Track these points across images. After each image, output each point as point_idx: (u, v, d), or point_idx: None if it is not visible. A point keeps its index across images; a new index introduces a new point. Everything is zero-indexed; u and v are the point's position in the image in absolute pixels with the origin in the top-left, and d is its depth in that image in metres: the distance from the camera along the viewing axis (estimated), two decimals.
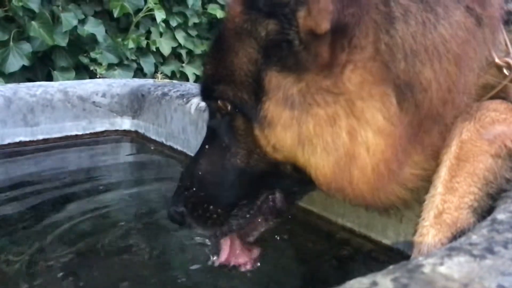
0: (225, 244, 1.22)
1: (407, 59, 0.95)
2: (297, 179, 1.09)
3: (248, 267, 1.23)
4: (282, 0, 0.95)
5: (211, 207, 1.13)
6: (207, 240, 1.36)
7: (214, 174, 1.14)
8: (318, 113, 0.97)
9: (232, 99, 1.07)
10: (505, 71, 1.06)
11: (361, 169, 0.99)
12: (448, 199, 0.97)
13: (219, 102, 1.11)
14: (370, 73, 0.96)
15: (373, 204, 1.11)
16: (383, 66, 0.96)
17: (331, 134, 0.98)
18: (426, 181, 1.07)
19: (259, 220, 1.19)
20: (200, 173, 1.15)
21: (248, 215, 1.15)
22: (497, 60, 1.06)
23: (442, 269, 0.65)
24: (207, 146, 1.18)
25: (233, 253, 1.21)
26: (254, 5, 1.02)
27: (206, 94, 1.18)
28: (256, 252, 1.24)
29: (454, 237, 0.93)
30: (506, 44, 1.07)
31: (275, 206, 1.18)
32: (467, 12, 1.00)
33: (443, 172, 1.01)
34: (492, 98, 1.08)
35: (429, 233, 0.96)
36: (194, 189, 1.15)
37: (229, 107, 1.09)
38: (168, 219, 1.20)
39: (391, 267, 0.67)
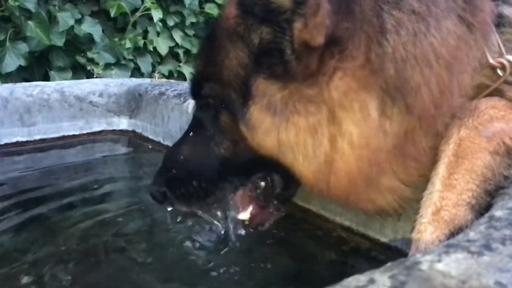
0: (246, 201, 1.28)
1: (397, 66, 0.98)
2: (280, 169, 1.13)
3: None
4: (278, 8, 0.97)
5: (195, 185, 1.20)
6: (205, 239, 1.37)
7: (198, 160, 1.21)
8: (298, 122, 1.01)
9: (220, 97, 1.11)
10: (499, 71, 1.08)
11: (335, 174, 1.03)
12: (446, 196, 0.97)
13: (207, 97, 1.15)
14: (356, 81, 0.98)
15: (359, 206, 1.16)
16: (370, 74, 0.98)
17: (312, 144, 1.01)
18: (400, 195, 1.10)
19: (270, 209, 1.27)
20: (183, 157, 1.23)
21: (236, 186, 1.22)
22: (491, 61, 1.07)
23: (440, 266, 0.65)
24: (191, 134, 1.24)
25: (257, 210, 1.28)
26: (249, 10, 1.03)
27: (195, 90, 1.21)
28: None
29: (452, 234, 0.93)
30: (499, 46, 1.09)
31: (273, 189, 1.24)
32: (458, 21, 1.03)
33: (441, 169, 1.01)
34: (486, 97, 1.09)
35: (427, 230, 0.96)
36: (177, 171, 1.22)
37: (217, 104, 1.13)
38: (152, 199, 1.27)
39: (388, 264, 0.67)
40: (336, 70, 0.98)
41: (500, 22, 1.10)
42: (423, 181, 1.08)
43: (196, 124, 1.23)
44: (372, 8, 0.99)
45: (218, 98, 1.12)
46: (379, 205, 1.13)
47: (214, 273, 1.23)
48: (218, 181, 1.20)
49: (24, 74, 3.75)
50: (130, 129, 2.62)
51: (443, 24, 1.00)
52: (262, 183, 1.24)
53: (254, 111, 1.04)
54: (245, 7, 1.04)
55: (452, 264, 0.65)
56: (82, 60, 4.03)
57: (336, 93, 0.98)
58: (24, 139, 2.35)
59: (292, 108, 1.01)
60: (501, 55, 1.08)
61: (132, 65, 4.45)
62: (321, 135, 1.00)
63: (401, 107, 0.99)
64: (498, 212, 0.83)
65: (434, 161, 1.06)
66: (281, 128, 1.02)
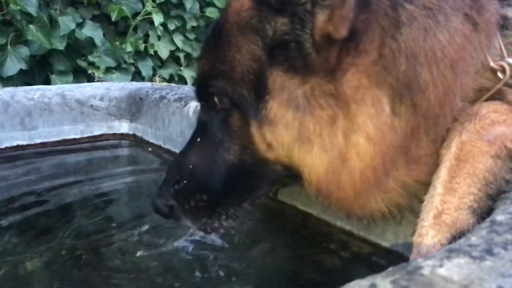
0: None
1: (408, 62, 0.97)
2: (287, 176, 1.11)
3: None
4: (297, 0, 0.96)
5: (203, 198, 1.14)
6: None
7: (206, 168, 1.15)
8: (319, 114, 0.99)
9: (231, 95, 1.07)
10: (499, 74, 1.07)
11: (349, 172, 1.02)
12: (448, 200, 0.97)
13: (215, 97, 1.10)
14: (367, 77, 0.97)
15: (353, 210, 1.14)
16: (382, 70, 0.97)
17: (329, 133, 0.99)
18: (395, 201, 1.09)
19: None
20: (191, 166, 1.16)
21: (238, 208, 1.17)
22: (492, 64, 1.07)
23: (442, 271, 0.65)
24: (198, 140, 1.18)
25: None
26: (264, 2, 1.01)
27: (202, 89, 1.17)
28: None
29: (454, 238, 0.93)
30: (500, 48, 1.09)
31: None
32: (465, 19, 1.02)
33: (443, 173, 1.01)
34: (487, 100, 1.09)
35: (428, 233, 0.96)
36: (185, 182, 1.16)
37: (225, 103, 1.09)
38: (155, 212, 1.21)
39: (390, 269, 0.67)
40: (351, 66, 0.97)
41: (503, 24, 1.10)
42: (417, 189, 1.08)
43: (201, 129, 1.18)
44: None
45: (227, 96, 1.08)
46: (372, 208, 1.12)
47: (211, 277, 1.23)
48: (227, 195, 1.15)
49: (25, 77, 3.75)
50: (131, 132, 2.62)
51: (451, 21, 1.00)
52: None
53: (273, 106, 1.01)
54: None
55: (454, 269, 0.65)
56: (83, 64, 4.03)
57: (348, 87, 0.97)
58: (25, 143, 2.35)
59: (314, 103, 0.99)
60: (502, 57, 1.08)
61: (133, 69, 4.45)
62: (337, 128, 0.99)
63: (408, 105, 0.98)
64: (499, 216, 0.83)
65: (430, 168, 1.06)
66: (305, 123, 1.00)
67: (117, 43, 4.27)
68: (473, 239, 0.75)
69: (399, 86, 0.97)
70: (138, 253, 1.34)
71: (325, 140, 1.00)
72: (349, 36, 0.95)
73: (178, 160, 1.22)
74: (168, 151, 2.34)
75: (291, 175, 1.10)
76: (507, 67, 1.06)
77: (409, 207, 1.11)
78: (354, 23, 0.94)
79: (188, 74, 5.01)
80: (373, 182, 1.03)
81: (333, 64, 0.97)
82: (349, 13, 0.92)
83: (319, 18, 0.94)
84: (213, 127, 1.14)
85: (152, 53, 4.64)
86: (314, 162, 1.03)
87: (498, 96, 1.09)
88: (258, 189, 1.18)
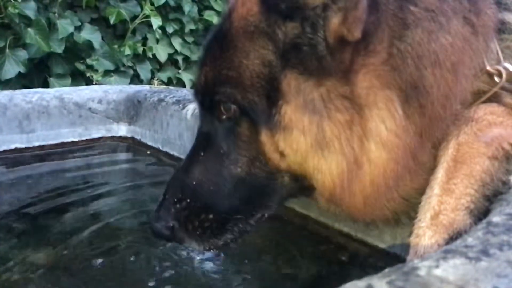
0: None
1: (415, 64, 0.98)
2: (292, 190, 1.09)
3: None
4: (307, 5, 0.95)
5: (209, 217, 1.08)
6: None
7: (211, 183, 1.08)
8: (336, 117, 0.97)
9: (240, 102, 1.02)
10: (496, 78, 1.08)
11: (360, 180, 1.00)
12: (445, 201, 0.97)
13: (221, 106, 1.06)
14: (377, 78, 0.97)
15: (361, 218, 1.13)
16: (391, 70, 0.97)
17: (347, 137, 0.97)
18: (402, 208, 1.09)
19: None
20: (194, 183, 1.09)
21: (243, 228, 1.11)
22: (488, 68, 1.08)
23: (438, 272, 0.65)
24: (200, 154, 1.12)
25: None
26: (273, 6, 1.00)
27: (206, 98, 1.11)
28: None
29: (451, 238, 0.93)
30: (497, 53, 1.10)
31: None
32: (465, 22, 1.03)
33: (440, 174, 1.01)
34: (484, 103, 1.10)
35: (426, 234, 0.95)
36: (188, 200, 1.08)
37: (233, 111, 1.04)
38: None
39: (386, 270, 0.67)
40: (362, 66, 0.97)
41: (501, 28, 1.11)
42: (416, 198, 1.07)
43: (203, 142, 1.12)
44: (395, 0, 0.99)
45: (236, 103, 1.03)
46: (377, 215, 1.12)
47: (210, 279, 1.23)
48: (235, 211, 1.08)
49: (24, 81, 3.75)
50: (129, 135, 2.62)
51: (452, 24, 1.01)
52: None
53: (287, 111, 0.98)
54: (269, 5, 1.00)
55: (450, 269, 0.65)
56: (81, 67, 4.03)
57: (360, 89, 0.97)
58: (23, 146, 2.35)
59: (330, 105, 0.97)
60: (498, 61, 1.09)
61: (131, 72, 4.45)
62: (353, 132, 0.97)
63: (416, 106, 0.98)
64: (495, 218, 0.83)
65: (428, 177, 1.05)
66: (323, 126, 0.97)
67: (116, 46, 4.28)
68: (469, 240, 0.75)
69: (407, 86, 0.97)
70: (137, 256, 1.34)
71: (342, 144, 0.97)
72: (362, 37, 0.95)
73: (178, 177, 1.14)
74: (166, 154, 2.34)
75: (299, 187, 1.08)
76: (503, 71, 1.07)
77: (407, 214, 1.11)
78: (364, 24, 0.94)
79: (187, 77, 5.02)
80: (383, 191, 1.02)
81: (347, 66, 0.97)
82: (362, 15, 0.92)
83: (332, 21, 0.93)
84: (217, 138, 1.08)
85: (151, 56, 4.64)
86: (329, 167, 0.99)
87: (494, 99, 1.09)
88: (267, 204, 1.12)
